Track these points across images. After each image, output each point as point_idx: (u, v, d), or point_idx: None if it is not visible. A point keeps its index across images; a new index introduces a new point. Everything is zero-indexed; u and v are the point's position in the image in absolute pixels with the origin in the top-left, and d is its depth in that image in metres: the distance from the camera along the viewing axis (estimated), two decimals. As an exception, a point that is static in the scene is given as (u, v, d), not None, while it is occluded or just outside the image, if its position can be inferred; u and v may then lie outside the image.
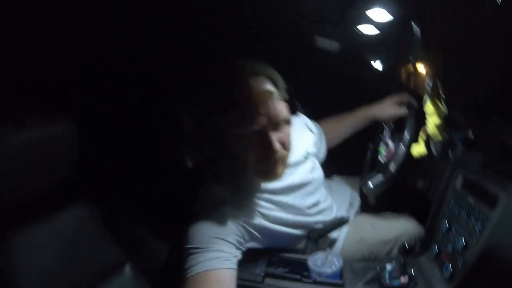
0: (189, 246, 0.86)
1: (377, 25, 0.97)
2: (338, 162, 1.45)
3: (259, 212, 0.99)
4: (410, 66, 1.19)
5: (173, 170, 1.13)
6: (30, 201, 0.76)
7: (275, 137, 0.88)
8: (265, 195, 1.01)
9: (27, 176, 0.72)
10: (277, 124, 0.89)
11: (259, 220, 0.99)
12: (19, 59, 0.91)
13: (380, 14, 0.91)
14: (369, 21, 0.97)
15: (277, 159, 0.91)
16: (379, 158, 1.25)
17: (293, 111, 0.95)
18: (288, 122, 0.93)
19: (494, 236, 0.75)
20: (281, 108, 0.89)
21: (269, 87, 0.88)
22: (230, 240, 0.89)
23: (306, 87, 1.41)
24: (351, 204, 1.30)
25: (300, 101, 1.01)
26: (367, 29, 1.01)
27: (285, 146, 0.93)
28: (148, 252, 0.98)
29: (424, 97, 0.98)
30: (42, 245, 0.77)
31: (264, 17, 1.14)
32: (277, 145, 0.89)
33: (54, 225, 0.80)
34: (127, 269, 0.87)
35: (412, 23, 0.85)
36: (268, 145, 0.88)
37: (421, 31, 0.84)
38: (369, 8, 0.89)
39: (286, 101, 0.92)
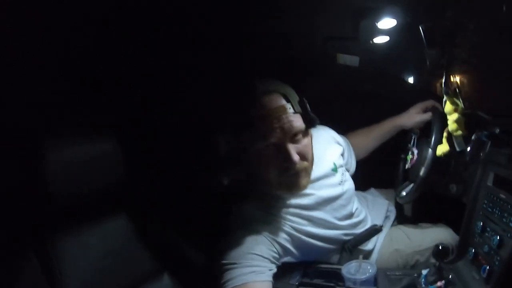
0: (225, 262, 0.91)
1: (388, 33, 1.02)
2: (375, 174, 1.45)
3: (291, 227, 1.02)
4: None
5: (209, 189, 1.21)
6: (80, 208, 0.86)
7: (293, 149, 0.93)
8: (296, 210, 1.04)
9: (79, 185, 0.82)
10: (293, 136, 0.94)
11: (291, 236, 1.01)
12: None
13: (391, 24, 0.95)
14: (382, 32, 1.01)
15: (298, 170, 0.96)
16: (407, 166, 1.25)
17: (310, 123, 0.99)
18: (305, 134, 0.98)
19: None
20: (296, 120, 0.95)
21: (282, 102, 0.95)
22: (264, 255, 0.93)
23: (333, 104, 1.47)
24: (387, 217, 1.28)
25: (327, 116, 1.07)
26: (383, 40, 1.06)
27: (305, 157, 0.97)
28: (186, 263, 1.03)
29: (444, 98, 1.00)
30: (89, 249, 0.84)
31: (283, 42, 1.22)
32: (296, 157, 0.93)
33: (101, 231, 0.88)
34: (166, 277, 0.93)
35: (420, 27, 0.88)
36: (287, 158, 0.93)
37: (429, 33, 0.87)
38: (380, 20, 0.93)
39: (301, 114, 0.97)
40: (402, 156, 1.36)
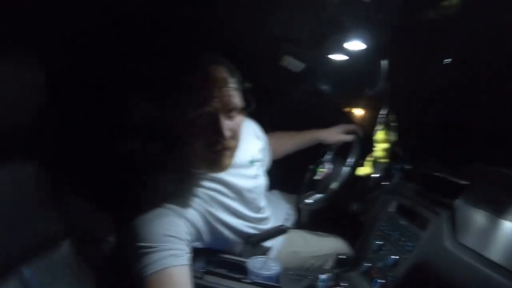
0: (141, 244, 0.81)
1: (350, 54, 1.06)
2: (280, 179, 1.49)
3: (205, 211, 0.97)
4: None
5: (121, 158, 1.04)
6: None
7: (226, 124, 0.89)
8: (211, 193, 0.99)
9: None
10: (229, 111, 0.90)
11: (205, 219, 0.96)
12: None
13: (356, 46, 0.99)
14: (344, 52, 1.05)
15: (225, 147, 0.91)
16: (316, 177, 1.33)
17: (247, 104, 0.96)
18: (240, 112, 0.95)
19: (423, 253, 0.85)
20: (235, 96, 0.91)
21: (226, 74, 0.91)
22: (181, 237, 0.87)
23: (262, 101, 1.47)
24: (286, 219, 1.33)
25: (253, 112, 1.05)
26: (340, 58, 1.10)
27: (235, 136, 0.94)
28: (91, 233, 0.86)
29: (376, 127, 1.09)
30: None
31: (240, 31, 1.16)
32: (228, 132, 0.89)
33: (4, 175, 0.68)
34: (66, 245, 0.76)
35: (381, 59, 0.96)
36: (218, 130, 0.88)
37: (388, 67, 0.95)
38: (348, 41, 0.97)
39: (240, 91, 0.94)
40: (311, 167, 1.44)
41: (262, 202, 1.17)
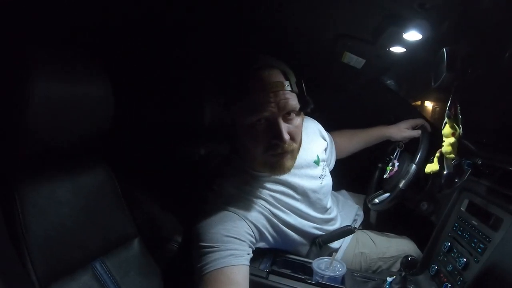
0: (203, 244, 0.88)
1: (407, 46, 1.03)
2: (349, 177, 1.49)
3: (269, 212, 1.01)
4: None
5: (188, 162, 1.17)
6: (57, 155, 0.77)
7: (284, 127, 0.92)
8: (275, 195, 1.03)
9: (60, 128, 0.74)
10: (287, 114, 0.93)
11: (269, 221, 1.01)
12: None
13: (416, 37, 0.96)
14: (403, 43, 1.01)
15: (286, 150, 0.94)
16: (385, 176, 1.30)
17: (305, 105, 0.98)
18: (298, 115, 0.97)
19: (495, 256, 0.79)
20: (292, 99, 0.93)
21: (281, 78, 0.93)
22: (242, 238, 0.92)
23: (325, 99, 1.48)
24: (355, 220, 1.33)
25: (317, 111, 1.07)
26: (399, 50, 1.07)
27: (295, 138, 0.96)
28: (159, 232, 0.99)
29: (444, 121, 1.04)
30: (60, 203, 0.77)
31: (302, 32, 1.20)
32: (287, 135, 0.91)
33: (76, 185, 0.80)
34: (136, 243, 0.88)
35: (445, 49, 0.90)
36: (277, 134, 0.91)
37: (450, 57, 0.89)
38: (407, 31, 0.93)
39: (297, 94, 0.96)
40: (380, 165, 1.41)
41: (329, 203, 1.18)
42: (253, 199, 1.01)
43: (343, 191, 1.50)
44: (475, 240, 0.88)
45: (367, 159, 1.45)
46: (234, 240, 0.90)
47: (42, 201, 0.75)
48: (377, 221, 1.42)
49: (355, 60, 1.24)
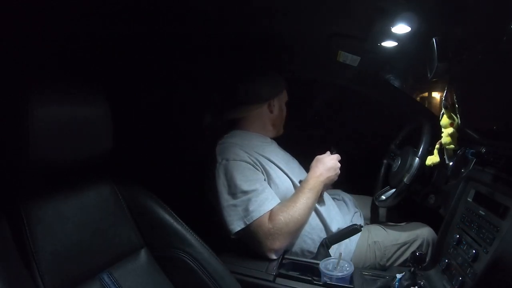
0: (243, 190, 1.01)
1: (399, 38, 1.02)
2: (352, 180, 1.47)
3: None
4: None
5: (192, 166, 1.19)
6: (62, 174, 0.79)
7: None
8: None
9: (63, 149, 0.75)
10: None
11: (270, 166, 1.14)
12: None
13: (404, 30, 0.95)
14: (393, 37, 1.01)
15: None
16: (392, 171, 1.29)
17: None
18: None
19: (504, 245, 0.77)
20: None
21: None
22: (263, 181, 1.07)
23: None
24: (353, 217, 1.32)
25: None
26: (391, 45, 1.06)
27: None
28: (166, 241, 1.00)
29: (442, 112, 1.02)
30: (66, 219, 0.78)
31: (294, 34, 1.21)
32: None
33: (81, 202, 0.82)
34: (143, 254, 0.90)
35: (434, 39, 0.89)
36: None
37: (441, 47, 0.88)
38: (395, 25, 0.93)
39: None
40: (385, 161, 1.39)
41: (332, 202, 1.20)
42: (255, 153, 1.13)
43: (338, 191, 1.48)
44: (483, 230, 0.85)
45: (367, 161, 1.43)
46: (264, 183, 1.06)
47: (48, 218, 0.77)
48: (386, 219, 1.39)
49: (350, 58, 1.24)
